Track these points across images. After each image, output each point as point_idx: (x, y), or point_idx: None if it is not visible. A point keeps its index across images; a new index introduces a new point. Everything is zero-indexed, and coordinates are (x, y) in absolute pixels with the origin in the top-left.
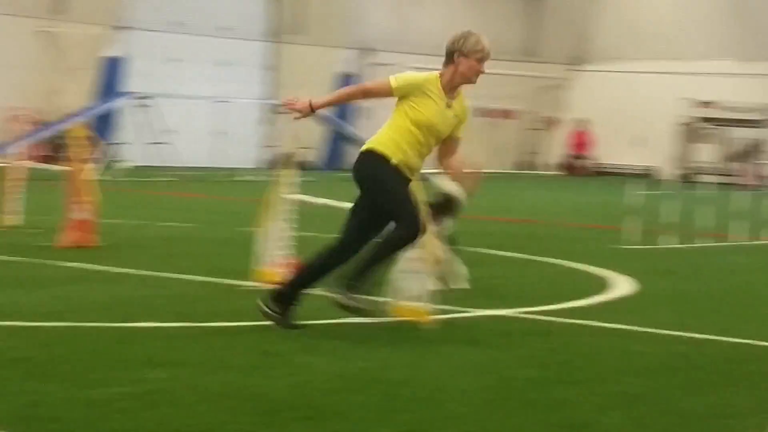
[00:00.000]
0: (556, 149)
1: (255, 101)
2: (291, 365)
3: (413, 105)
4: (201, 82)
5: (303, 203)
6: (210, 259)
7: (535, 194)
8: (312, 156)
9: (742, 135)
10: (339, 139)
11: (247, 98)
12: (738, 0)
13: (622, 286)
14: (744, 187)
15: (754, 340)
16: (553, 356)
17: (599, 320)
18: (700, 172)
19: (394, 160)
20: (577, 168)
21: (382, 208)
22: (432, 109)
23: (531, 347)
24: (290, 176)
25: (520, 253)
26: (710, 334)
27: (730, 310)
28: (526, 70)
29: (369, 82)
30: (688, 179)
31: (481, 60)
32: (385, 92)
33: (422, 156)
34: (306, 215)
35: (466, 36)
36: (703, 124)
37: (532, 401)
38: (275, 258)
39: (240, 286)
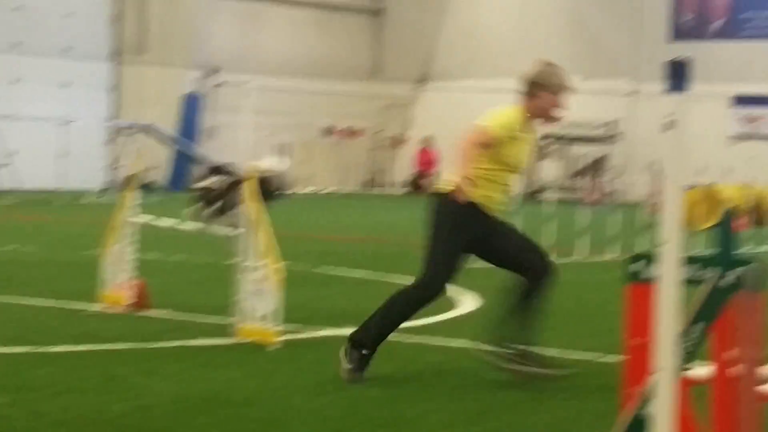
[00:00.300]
0: (402, 168)
1: (99, 122)
2: (134, 388)
3: (502, 150)
4: (43, 103)
5: (147, 225)
6: (54, 282)
7: (382, 213)
8: (156, 176)
9: (586, 151)
10: (183, 160)
11: (91, 119)
12: (578, 18)
13: (467, 302)
14: (588, 203)
15: (596, 354)
16: (399, 374)
17: (445, 337)
18: (545, 188)
19: (474, 200)
20: (424, 186)
21: (424, 252)
22: (522, 152)
23: (377, 365)
24: (134, 198)
25: (367, 271)
26: (553, 350)
27: (573, 326)
28: (371, 88)
29: (472, 138)
30: (533, 196)
31: (562, 95)
32: (491, 142)
33: (506, 192)
34: (151, 237)
35: (550, 71)
36: (548, 141)
37: (378, 419)
38: (120, 281)
39: (84, 309)
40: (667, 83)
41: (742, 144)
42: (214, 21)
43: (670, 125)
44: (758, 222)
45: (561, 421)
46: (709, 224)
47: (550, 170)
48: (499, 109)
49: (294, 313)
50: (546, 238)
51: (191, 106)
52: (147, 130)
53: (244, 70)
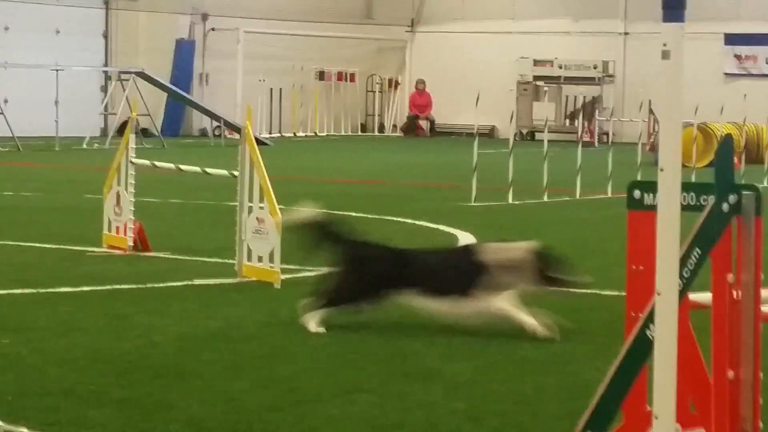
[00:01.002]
0: (396, 111)
1: (92, 69)
2: (139, 327)
3: None
4: (35, 50)
5: (144, 168)
6: (54, 226)
7: (378, 156)
8: (151, 122)
9: (580, 92)
10: (177, 105)
11: (85, 66)
12: None
13: (467, 242)
14: (584, 143)
15: (595, 289)
16: (400, 312)
17: None
18: (541, 129)
19: None
20: (419, 129)
21: None
22: None
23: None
24: (130, 142)
25: (365, 213)
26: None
27: (573, 262)
28: (364, 32)
29: None
30: (529, 137)
31: None
32: None
33: None
34: (148, 181)
35: None
36: (541, 83)
37: (380, 353)
38: (120, 224)
39: (88, 251)
40: (662, 13)
41: (734, 83)
42: None
43: (665, 55)
44: (751, 159)
45: (559, 354)
46: (703, 162)
47: (546, 111)
48: None
49: (293, 253)
50: (544, 177)
51: (183, 52)
52: (140, 75)
53: (235, 14)
